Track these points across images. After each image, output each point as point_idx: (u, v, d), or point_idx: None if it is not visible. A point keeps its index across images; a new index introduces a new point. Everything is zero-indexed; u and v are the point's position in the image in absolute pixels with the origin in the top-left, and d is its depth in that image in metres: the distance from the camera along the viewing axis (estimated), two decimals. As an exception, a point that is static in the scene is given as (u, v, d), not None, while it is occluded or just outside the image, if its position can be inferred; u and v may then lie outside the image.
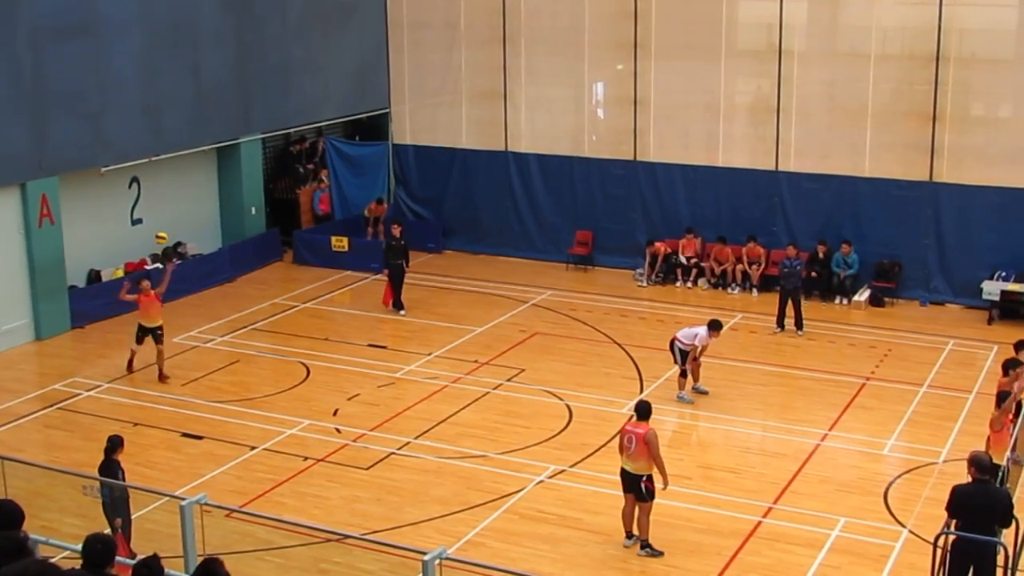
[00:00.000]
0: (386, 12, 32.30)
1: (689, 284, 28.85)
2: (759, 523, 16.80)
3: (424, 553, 10.70)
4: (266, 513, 16.09)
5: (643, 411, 15.89)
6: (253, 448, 19.20)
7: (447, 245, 31.93)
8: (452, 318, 25.98)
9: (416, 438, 19.62)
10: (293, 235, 31.00)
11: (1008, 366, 17.62)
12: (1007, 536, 12.34)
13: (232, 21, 28.50)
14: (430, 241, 31.52)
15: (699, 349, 21.23)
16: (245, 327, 25.07)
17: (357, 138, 34.18)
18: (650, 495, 15.77)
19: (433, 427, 20.02)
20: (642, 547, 15.86)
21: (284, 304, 27.02)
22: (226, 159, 29.81)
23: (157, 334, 22.05)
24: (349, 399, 21.30)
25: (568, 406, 21.03)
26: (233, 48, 28.54)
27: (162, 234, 24.13)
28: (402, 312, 26.29)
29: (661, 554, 15.78)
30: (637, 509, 15.90)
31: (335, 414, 20.62)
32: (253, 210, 30.24)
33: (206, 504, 11.90)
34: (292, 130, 32.29)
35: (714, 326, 21.20)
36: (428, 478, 18.20)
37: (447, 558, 10.92)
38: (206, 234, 29.44)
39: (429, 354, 23.68)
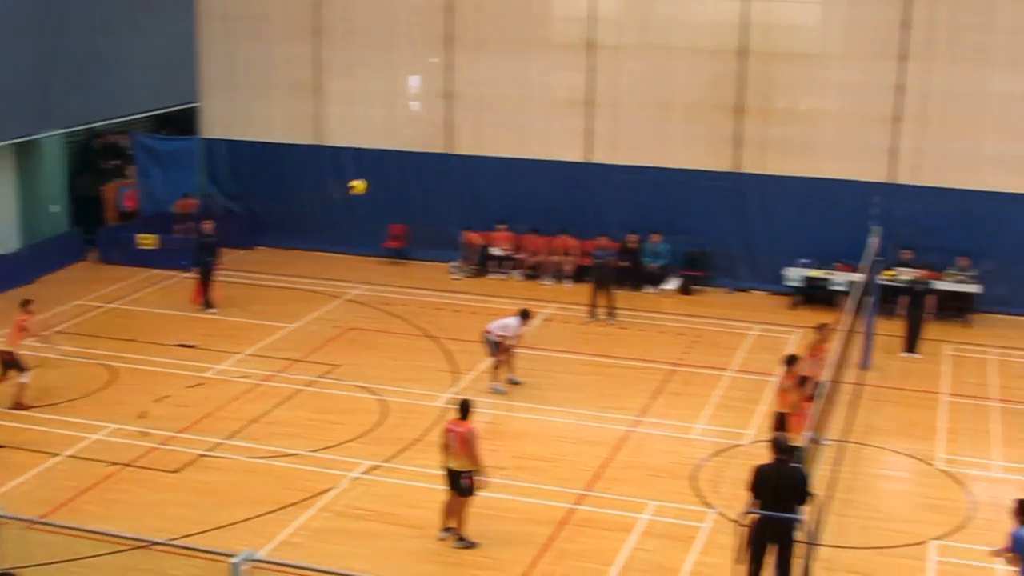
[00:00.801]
0: (196, 3, 31.62)
1: (503, 276, 29.03)
2: (573, 510, 16.98)
3: (232, 556, 10.49)
4: (69, 523, 15.54)
5: (464, 409, 15.89)
6: (55, 455, 18.56)
7: (259, 241, 31.44)
8: (264, 315, 25.59)
9: (227, 439, 19.25)
10: (98, 233, 30.13)
11: (789, 361, 18.10)
12: (806, 512, 12.71)
13: (31, 11, 27.42)
14: (242, 237, 30.99)
15: (513, 339, 21.36)
16: (46, 331, 24.21)
17: (165, 132, 33.39)
18: (468, 491, 15.79)
19: (245, 427, 19.68)
20: (457, 540, 15.88)
21: (88, 305, 26.21)
22: (25, 156, 28.75)
23: None
24: (157, 401, 20.77)
25: (383, 401, 20.92)
26: (32, 40, 27.43)
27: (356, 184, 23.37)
28: (212, 310, 25.80)
29: (475, 545, 15.82)
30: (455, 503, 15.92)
31: (142, 417, 20.08)
32: (54, 208, 29.26)
33: (1, 516, 11.45)
34: (96, 125, 31.31)
35: (525, 315, 21.39)
36: (240, 479, 17.88)
37: (256, 560, 10.74)
38: (3, 234, 28.30)
39: (240, 352, 23.27)
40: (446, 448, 15.81)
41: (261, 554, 11.59)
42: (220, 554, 11.05)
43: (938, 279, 26.37)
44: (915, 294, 24.25)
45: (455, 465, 15.75)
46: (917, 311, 24.16)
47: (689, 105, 28.46)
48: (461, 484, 15.73)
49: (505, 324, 21.33)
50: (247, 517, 16.60)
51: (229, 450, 18.83)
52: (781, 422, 17.50)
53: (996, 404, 21.29)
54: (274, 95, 31.56)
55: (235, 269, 28.43)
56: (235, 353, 23.20)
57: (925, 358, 23.87)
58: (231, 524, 16.38)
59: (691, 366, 23.06)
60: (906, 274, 25.94)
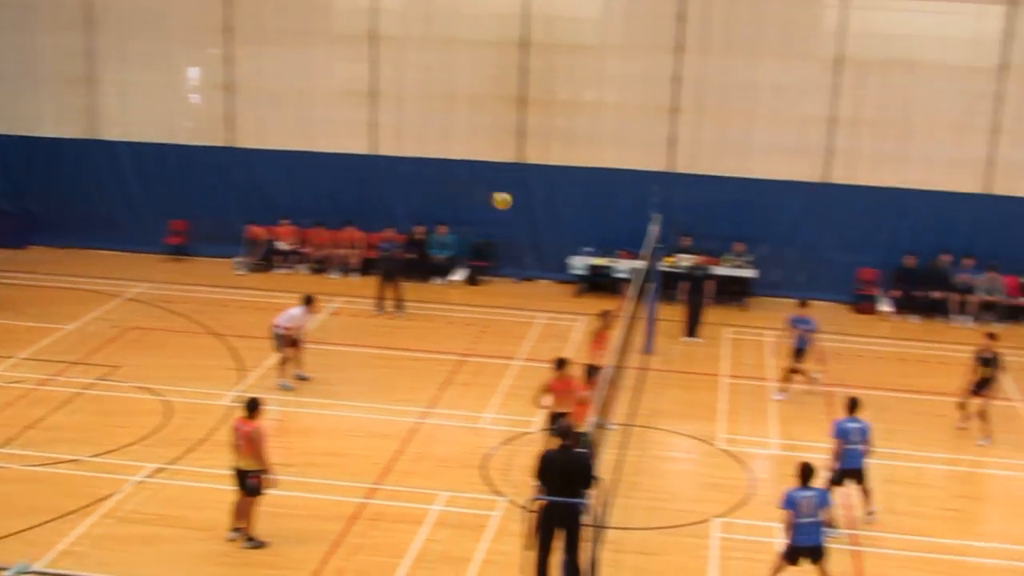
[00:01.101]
0: (-46, -7, 30.25)
1: (289, 270, 28.68)
2: (364, 505, 16.88)
3: (4, 568, 10.08)
4: None
5: (251, 407, 15.61)
6: None
7: (32, 240, 30.27)
8: (39, 317, 24.63)
9: (2, 447, 18.46)
10: None
11: (559, 364, 17.93)
12: (592, 497, 12.93)
13: None
14: (13, 236, 29.76)
15: (300, 329, 21.11)
16: None
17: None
18: (256, 490, 15.54)
19: (21, 433, 18.88)
20: (246, 540, 15.61)
21: None
22: None
23: None
24: (-76, 409, 19.82)
25: (167, 402, 20.40)
26: None
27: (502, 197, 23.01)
28: (-16, 313, 24.79)
29: (265, 545, 15.58)
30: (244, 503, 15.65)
31: (-91, 426, 19.11)
32: None
33: None
34: None
35: (308, 302, 21.19)
36: (16, 488, 17.14)
37: (30, 572, 10.35)
38: None
39: (13, 357, 22.34)
40: (235, 447, 15.53)
41: (37, 566, 11.17)
42: (-7, 566, 10.62)
43: (716, 265, 27.27)
44: (695, 280, 24.98)
45: (243, 464, 15.48)
46: (697, 296, 24.90)
47: (472, 96, 28.64)
48: (248, 484, 15.47)
49: (290, 315, 21.09)
50: (24, 528, 15.92)
51: (4, 459, 18.04)
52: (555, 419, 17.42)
53: (773, 384, 22.06)
54: (43, 88, 30.36)
55: (6, 270, 27.31)
56: (7, 358, 22.24)
57: (706, 342, 24.62)
58: (6, 536, 15.68)
59: (479, 356, 23.23)
60: (686, 260, 26.69)
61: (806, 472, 14.20)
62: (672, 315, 25.24)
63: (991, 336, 20.20)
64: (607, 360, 18.24)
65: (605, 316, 20.21)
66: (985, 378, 19.81)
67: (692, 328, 24.88)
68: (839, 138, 27.55)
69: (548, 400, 17.57)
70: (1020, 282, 27.39)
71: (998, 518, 17.71)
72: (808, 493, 14.09)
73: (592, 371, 17.73)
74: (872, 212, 27.73)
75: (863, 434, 16.35)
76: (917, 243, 27.34)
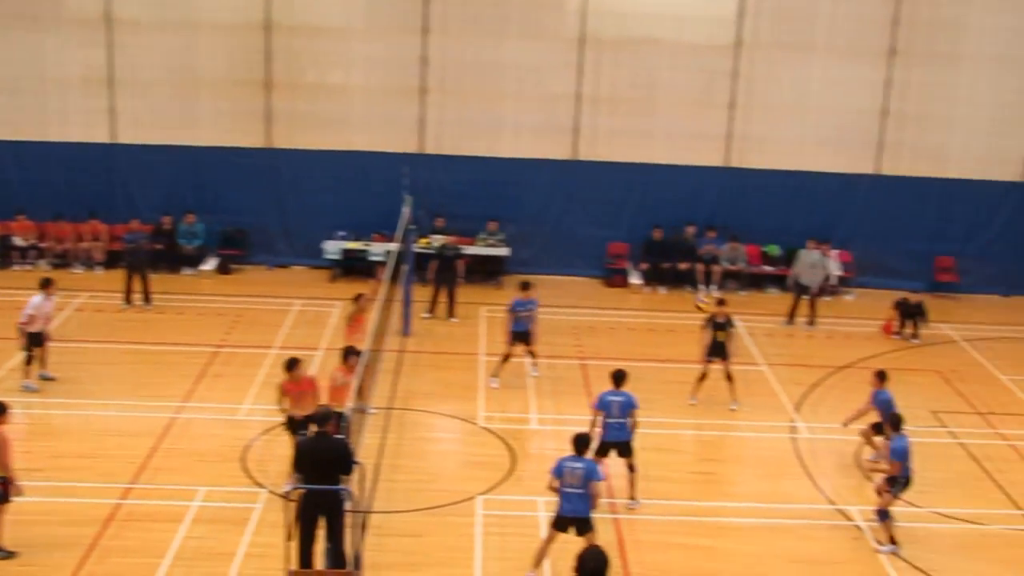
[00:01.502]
0: None
1: (29, 266, 27.50)
2: (119, 505, 16.34)
3: None
4: None
5: None
6: None
7: None
8: None
9: None
10: None
11: (290, 365, 17.46)
12: (352, 482, 12.87)
13: None
14: None
15: (44, 320, 20.24)
16: None
17: None
18: (2, 498, 14.84)
19: None
20: None
21: None
22: None
23: None
24: None
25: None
26: None
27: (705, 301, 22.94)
28: None
29: (14, 555, 14.91)
30: None
31: None
32: None
33: None
34: None
35: (45, 284, 20.46)
36: None
37: None
38: None
39: None
40: None
41: None
42: None
43: (469, 244, 27.51)
44: (444, 259, 25.12)
45: None
46: (448, 275, 25.04)
47: (216, 81, 27.98)
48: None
49: (31, 304, 20.17)
50: None
51: None
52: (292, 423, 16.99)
53: (529, 360, 22.38)
54: None
55: None
56: None
57: (460, 321, 24.81)
58: None
59: (234, 346, 22.80)
60: (438, 241, 26.85)
61: (579, 443, 14.44)
62: (428, 296, 25.36)
63: (721, 302, 20.95)
64: (364, 344, 18.22)
65: (359, 300, 20.11)
66: (719, 343, 20.52)
67: (450, 308, 25.05)
68: (585, 116, 28.14)
69: (286, 403, 16.95)
70: (761, 251, 28.60)
71: (748, 479, 18.46)
72: (576, 464, 14.33)
73: (349, 355, 17.61)
74: (619, 187, 28.46)
75: (625, 408, 16.73)
76: (663, 216, 28.21)
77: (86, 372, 21.25)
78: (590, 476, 14.31)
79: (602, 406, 16.71)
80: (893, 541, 15.93)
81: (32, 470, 16.44)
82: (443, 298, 25.15)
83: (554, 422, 19.88)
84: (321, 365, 21.36)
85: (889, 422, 16.22)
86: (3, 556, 14.89)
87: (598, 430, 16.52)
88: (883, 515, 15.99)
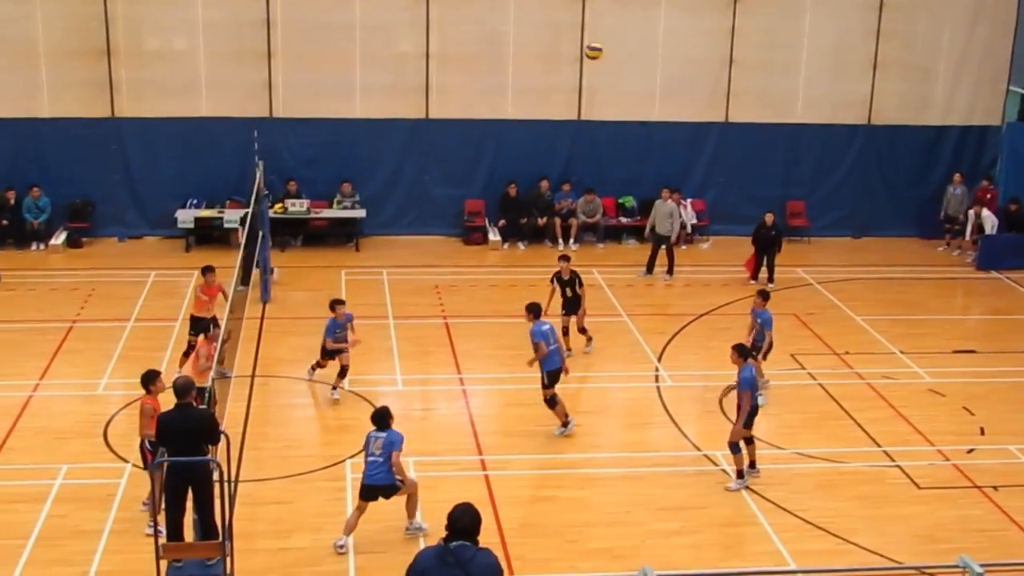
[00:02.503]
0: None
1: None
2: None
3: None
4: None
5: None
6: None
7: None
8: None
9: None
10: None
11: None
12: (220, 452, 12.73)
13: None
14: None
15: None
16: None
17: None
18: None
19: None
20: None
21: None
22: None
23: None
24: None
25: None
26: None
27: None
28: None
29: None
30: None
31: None
32: None
33: None
34: None
35: None
36: None
37: None
38: None
39: None
40: None
41: None
42: None
43: (326, 207, 27.33)
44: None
45: None
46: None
47: (54, 51, 27.10)
48: None
49: None
50: None
51: None
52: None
53: (392, 321, 22.34)
54: None
55: None
56: None
57: (321, 285, 24.64)
58: None
59: (88, 321, 22.30)
60: (295, 205, 26.65)
61: (379, 417, 14.61)
62: (286, 262, 25.13)
63: (565, 258, 21.03)
64: (216, 313, 18.15)
65: (207, 272, 19.81)
66: (569, 299, 20.71)
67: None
68: (435, 74, 28.03)
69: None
70: (617, 202, 28.91)
71: (613, 429, 18.70)
72: (379, 433, 14.52)
73: (198, 327, 17.44)
74: (472, 145, 28.49)
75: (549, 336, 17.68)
76: (517, 172, 28.30)
77: (-68, 354, 20.62)
78: (390, 446, 14.43)
79: (539, 336, 17.65)
80: (741, 475, 16.40)
81: None
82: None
83: (420, 382, 19.91)
84: (178, 336, 21.04)
85: (737, 351, 16.48)
86: None
87: None
88: (734, 448, 16.37)
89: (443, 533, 9.06)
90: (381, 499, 14.60)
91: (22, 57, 27.00)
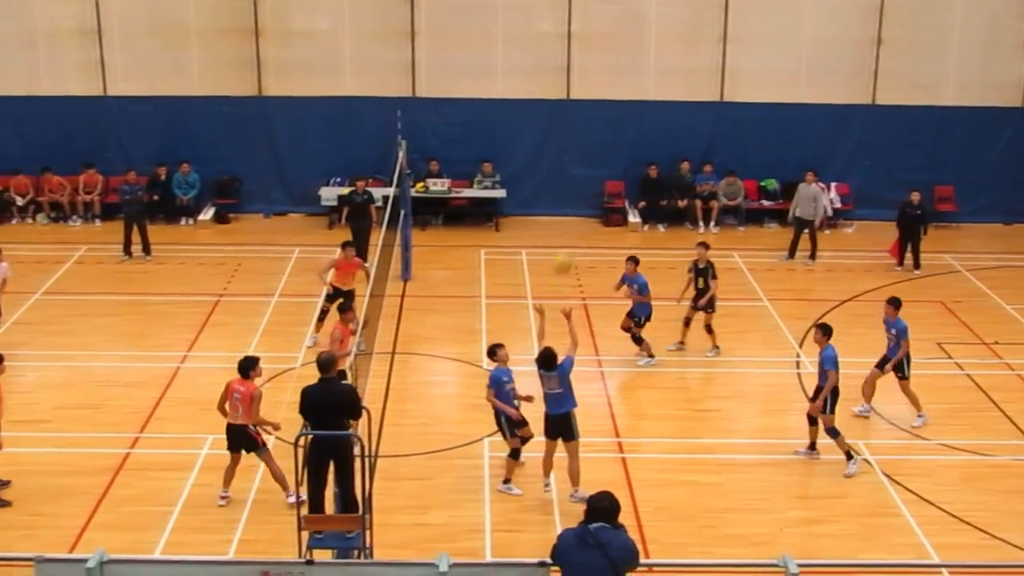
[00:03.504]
0: None
1: (29, 220, 27.46)
2: (127, 455, 16.45)
3: None
4: None
5: None
6: None
7: None
8: None
9: None
10: None
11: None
12: (361, 427, 12.91)
13: None
14: None
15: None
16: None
17: None
18: None
19: None
20: None
21: None
22: None
23: None
24: None
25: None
26: None
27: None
28: None
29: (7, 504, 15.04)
30: None
31: None
32: None
33: None
34: None
35: None
36: None
37: None
38: None
39: None
40: None
41: None
42: None
43: (467, 187, 27.53)
44: (355, 205, 24.66)
45: None
46: (362, 221, 24.54)
47: (204, 30, 27.75)
48: None
49: None
50: None
51: None
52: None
53: (530, 301, 22.40)
54: None
55: None
56: None
57: (461, 264, 24.79)
58: None
59: (234, 295, 22.82)
60: (436, 185, 26.90)
61: (547, 360, 15.19)
62: (426, 241, 25.34)
63: (703, 245, 20.42)
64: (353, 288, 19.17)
65: (348, 246, 20.13)
66: (700, 289, 20.12)
67: (359, 253, 24.67)
68: (576, 54, 27.95)
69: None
70: (759, 185, 28.53)
71: (752, 415, 18.50)
72: (551, 372, 15.13)
73: (345, 310, 17.63)
74: (613, 126, 28.32)
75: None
76: (658, 154, 28.07)
77: (87, 324, 21.29)
78: (566, 372, 15.19)
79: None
80: (849, 456, 16.25)
81: (38, 422, 16.56)
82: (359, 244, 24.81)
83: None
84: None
85: (820, 330, 16.41)
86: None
87: None
88: (832, 433, 16.19)
89: (580, 512, 9.08)
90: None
91: (174, 36, 27.69)
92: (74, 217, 27.50)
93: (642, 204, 28.01)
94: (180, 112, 27.91)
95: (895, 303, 17.73)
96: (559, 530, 13.73)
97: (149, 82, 27.86)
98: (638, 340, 19.81)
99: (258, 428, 15.18)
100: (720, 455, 16.83)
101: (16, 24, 27.65)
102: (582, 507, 9.51)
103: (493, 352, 16.00)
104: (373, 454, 13.68)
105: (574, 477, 15.18)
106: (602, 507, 9.32)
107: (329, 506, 13.23)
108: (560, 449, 15.20)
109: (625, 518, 9.65)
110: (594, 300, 22.35)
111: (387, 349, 20.00)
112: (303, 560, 9.97)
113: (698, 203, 27.85)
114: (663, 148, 28.12)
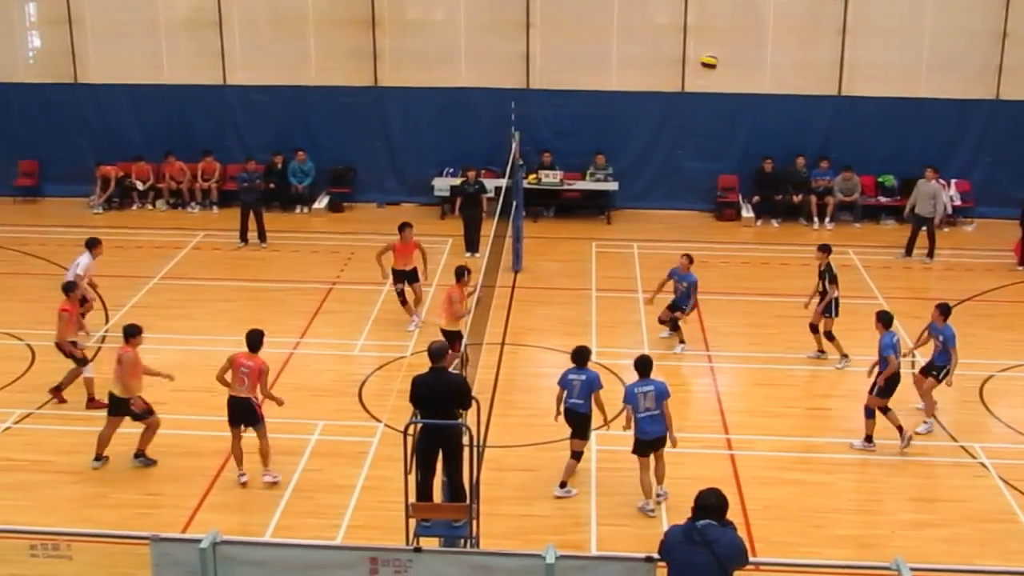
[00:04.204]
0: None
1: (149, 206, 28.09)
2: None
3: None
4: None
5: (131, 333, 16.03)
6: None
7: None
8: None
9: None
10: None
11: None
12: (470, 417, 12.96)
13: None
14: None
15: (85, 278, 20.36)
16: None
17: None
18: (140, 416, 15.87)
19: None
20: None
21: None
22: None
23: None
24: None
25: (30, 346, 19.87)
26: None
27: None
28: None
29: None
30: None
31: None
32: None
33: None
34: None
35: (91, 244, 20.28)
36: None
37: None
38: None
39: None
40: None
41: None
42: None
43: (579, 179, 27.48)
44: (468, 195, 24.93)
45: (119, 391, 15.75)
46: (473, 211, 24.85)
47: (322, 20, 28.13)
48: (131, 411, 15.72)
49: (76, 263, 20.12)
50: None
51: None
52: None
53: (640, 295, 22.30)
54: None
55: None
56: None
57: (571, 257, 24.73)
58: None
59: (347, 283, 23.07)
60: (549, 177, 26.92)
61: (644, 366, 15.04)
62: (538, 232, 25.34)
63: (823, 248, 19.64)
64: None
65: (406, 228, 20.64)
66: (821, 292, 19.50)
67: (470, 243, 24.91)
68: (691, 47, 27.71)
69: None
70: (876, 181, 28.04)
71: (861, 414, 18.12)
72: (647, 387, 14.81)
73: (462, 274, 18.42)
74: (728, 119, 28.06)
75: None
76: (773, 148, 27.74)
77: (203, 309, 21.70)
78: (662, 396, 14.76)
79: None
80: (869, 440, 16.53)
81: (154, 403, 16.79)
82: (470, 234, 25.02)
83: (667, 357, 19.80)
84: (432, 300, 21.51)
85: (879, 318, 16.64)
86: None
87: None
88: (869, 412, 16.50)
89: (686, 507, 9.02)
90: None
91: (293, 27, 28.09)
92: (192, 204, 28.05)
93: (756, 199, 27.71)
94: (297, 101, 28.30)
95: (944, 310, 17.11)
96: (664, 526, 13.72)
97: (267, 71, 28.31)
98: (675, 326, 19.95)
99: (261, 402, 15.52)
100: (831, 454, 16.58)
101: (140, 14, 28.31)
102: (688, 503, 9.43)
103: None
104: (481, 444, 13.73)
105: (660, 477, 15.18)
106: (709, 504, 9.25)
107: (437, 495, 13.30)
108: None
109: (733, 515, 9.56)
110: (705, 295, 22.09)
111: (497, 340, 20.06)
112: (411, 547, 10.03)
113: (813, 198, 27.46)
114: (778, 142, 27.77)
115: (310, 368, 19.19)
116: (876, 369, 16.46)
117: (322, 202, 28.02)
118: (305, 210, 27.92)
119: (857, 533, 14.58)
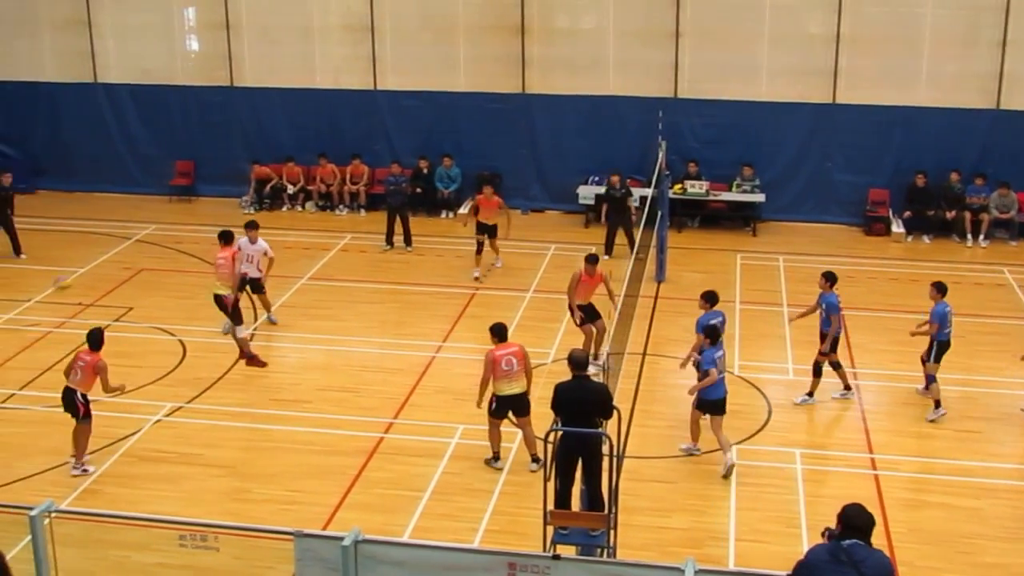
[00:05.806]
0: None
1: (299, 208, 28.66)
2: (381, 439, 16.94)
3: (31, 508, 10.12)
4: None
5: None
6: None
7: (38, 184, 30.20)
8: (50, 260, 24.63)
9: (21, 389, 18.50)
10: None
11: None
12: (610, 426, 12.93)
13: None
14: (19, 181, 29.44)
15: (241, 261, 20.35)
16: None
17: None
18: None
19: (38, 376, 18.87)
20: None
21: None
22: None
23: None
24: (-60, 356, 19.83)
25: (181, 341, 20.43)
26: None
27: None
28: (23, 256, 24.96)
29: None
30: None
31: (-76, 373, 19.13)
32: None
33: None
34: None
35: (250, 227, 20.72)
36: (37, 429, 17.22)
37: (56, 511, 10.37)
38: None
39: (29, 300, 22.36)
40: None
41: (62, 505, 11.20)
42: (18, 508, 10.59)
43: (725, 190, 27.21)
44: (614, 200, 24.85)
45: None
46: (620, 216, 24.78)
47: (471, 27, 28.37)
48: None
49: (247, 253, 20.42)
50: (46, 468, 16.05)
51: (23, 400, 18.13)
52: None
53: (785, 309, 21.99)
54: (40, 32, 30.12)
55: (16, 215, 27.08)
56: (22, 301, 22.26)
57: (715, 268, 24.53)
58: (28, 477, 15.82)
59: (490, 289, 23.20)
60: (695, 187, 26.73)
61: (715, 333, 16.35)
62: (682, 243, 25.17)
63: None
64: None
65: (485, 186, 21.77)
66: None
67: (609, 247, 24.84)
68: (844, 57, 27.23)
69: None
70: (1033, 198, 27.22)
71: (1017, 438, 17.66)
72: (718, 352, 16.18)
73: (590, 260, 18.85)
74: (880, 132, 27.47)
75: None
76: (926, 162, 27.08)
77: (349, 310, 22.04)
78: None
79: (938, 318, 17.64)
80: (938, 405, 17.64)
81: (300, 401, 17.24)
82: (620, 239, 24.87)
83: (809, 373, 19.47)
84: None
85: (935, 287, 17.76)
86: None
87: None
88: (930, 379, 17.70)
89: (824, 525, 8.90)
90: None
91: (443, 33, 28.39)
92: (340, 206, 28.53)
93: (907, 214, 27.09)
94: (446, 107, 28.59)
95: (940, 288, 17.94)
96: (804, 543, 13.51)
97: (417, 77, 28.64)
98: (817, 371, 18.28)
99: (86, 401, 15.89)
100: (980, 478, 16.12)
101: (294, 19, 28.90)
102: (828, 522, 9.26)
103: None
104: (621, 454, 13.69)
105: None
106: (857, 524, 9.08)
107: (575, 503, 13.31)
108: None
109: (875, 536, 9.36)
110: (852, 311, 21.71)
111: (638, 350, 19.97)
112: (550, 555, 10.04)
113: (967, 215, 26.74)
114: (932, 156, 27.11)
115: (452, 372, 19.34)
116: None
117: (467, 207, 28.23)
118: (450, 215, 28.18)
119: (1007, 562, 14.14)
